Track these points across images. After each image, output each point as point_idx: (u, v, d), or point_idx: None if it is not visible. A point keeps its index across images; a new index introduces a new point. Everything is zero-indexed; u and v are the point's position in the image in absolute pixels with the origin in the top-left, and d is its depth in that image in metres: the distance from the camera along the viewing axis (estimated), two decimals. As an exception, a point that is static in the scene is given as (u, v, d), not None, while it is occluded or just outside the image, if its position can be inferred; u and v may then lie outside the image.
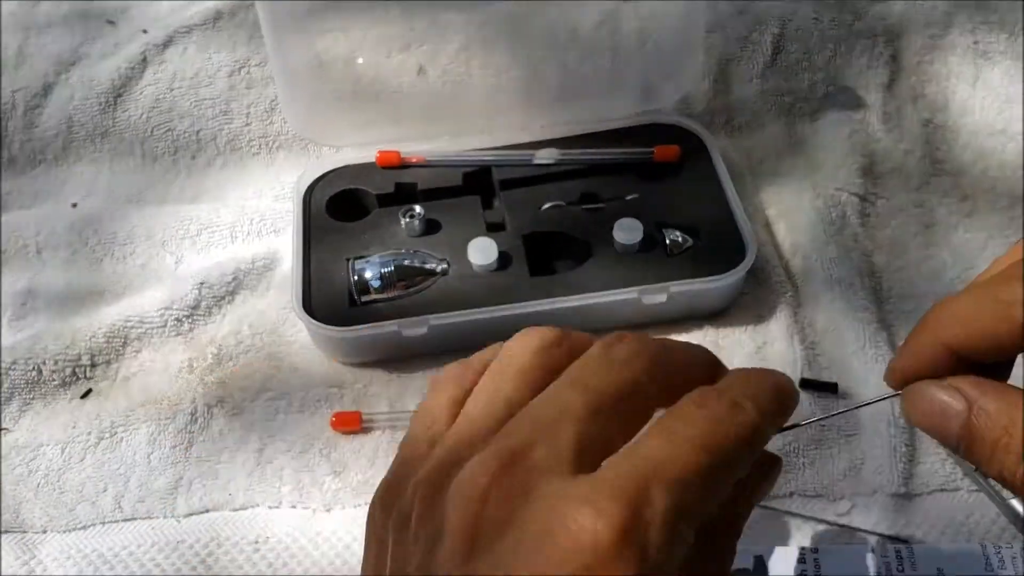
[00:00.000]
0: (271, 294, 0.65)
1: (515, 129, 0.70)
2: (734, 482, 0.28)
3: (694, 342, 0.59)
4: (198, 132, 0.75)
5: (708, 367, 0.33)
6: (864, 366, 0.57)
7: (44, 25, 0.82)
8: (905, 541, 0.50)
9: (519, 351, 0.33)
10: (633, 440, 0.29)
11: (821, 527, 0.51)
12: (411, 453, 0.33)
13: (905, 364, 0.31)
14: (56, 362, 0.61)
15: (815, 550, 0.50)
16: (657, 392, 0.30)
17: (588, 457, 0.28)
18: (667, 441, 0.27)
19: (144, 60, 0.77)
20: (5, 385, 0.60)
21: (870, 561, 0.49)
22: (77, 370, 0.61)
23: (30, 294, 0.67)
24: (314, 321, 0.58)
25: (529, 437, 0.28)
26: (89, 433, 0.58)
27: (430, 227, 0.65)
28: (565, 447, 0.27)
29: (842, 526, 0.51)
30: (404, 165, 0.68)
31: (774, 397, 0.30)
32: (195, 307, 0.64)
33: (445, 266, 0.62)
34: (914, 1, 0.75)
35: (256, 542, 0.53)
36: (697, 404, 0.29)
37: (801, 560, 0.50)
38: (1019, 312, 0.27)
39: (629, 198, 0.66)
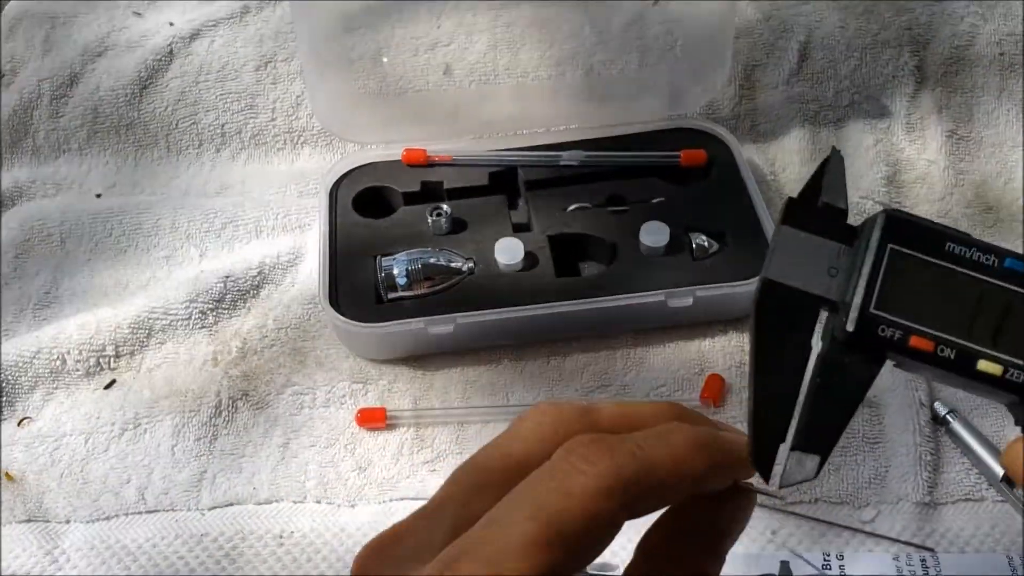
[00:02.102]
0: (296, 289, 0.65)
1: (541, 130, 0.71)
2: (593, 545, 0.26)
3: (718, 347, 0.60)
4: (223, 126, 0.75)
5: (664, 415, 0.29)
6: (889, 374, 0.57)
7: (71, 15, 0.82)
8: (931, 549, 0.50)
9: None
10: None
11: (846, 533, 0.51)
12: None
13: None
14: (80, 352, 0.61)
15: (840, 556, 0.50)
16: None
17: None
18: (506, 507, 0.26)
19: (171, 52, 0.77)
20: (29, 374, 0.60)
21: (895, 568, 0.50)
22: (101, 360, 0.61)
23: (54, 283, 0.67)
24: (341, 317, 0.59)
25: (406, 526, 0.28)
26: (113, 424, 0.58)
27: (456, 226, 0.65)
28: (438, 532, 0.27)
29: (867, 533, 0.51)
30: (430, 164, 0.68)
31: (683, 450, 0.27)
32: (220, 300, 0.64)
33: (471, 265, 0.62)
34: (942, 4, 0.75)
35: (280, 536, 0.53)
36: (556, 459, 0.26)
37: (826, 566, 0.50)
38: None
39: (655, 201, 0.66)
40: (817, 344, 0.28)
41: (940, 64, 0.74)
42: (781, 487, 0.28)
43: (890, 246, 0.27)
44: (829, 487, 0.54)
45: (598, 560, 0.27)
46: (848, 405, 0.28)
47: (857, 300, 0.27)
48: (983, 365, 0.27)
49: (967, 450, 0.54)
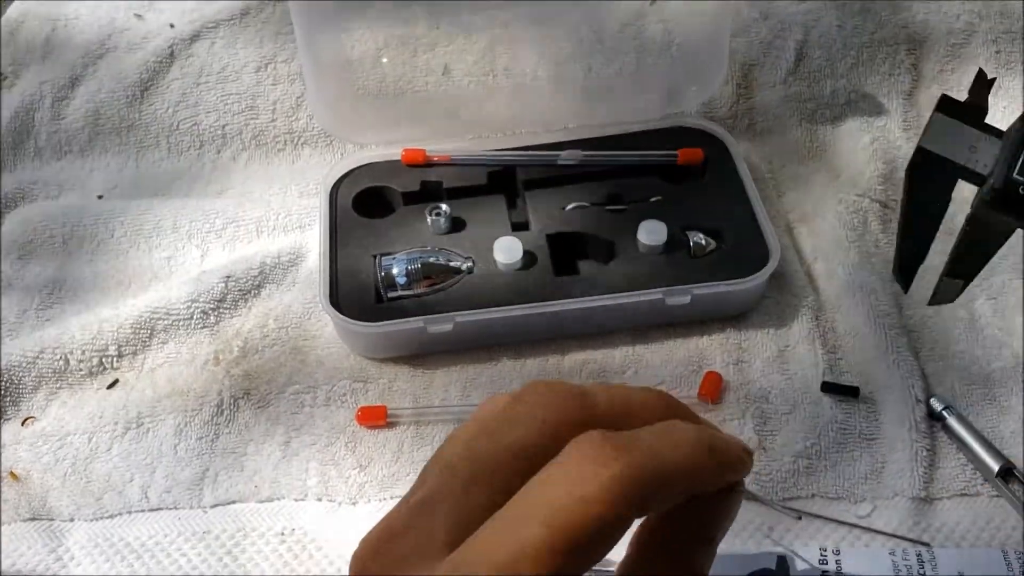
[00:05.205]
0: (297, 288, 0.66)
1: (539, 130, 0.71)
2: (605, 546, 0.26)
3: (716, 344, 0.61)
4: (224, 127, 0.76)
5: (656, 406, 0.30)
6: (886, 370, 0.58)
7: (72, 17, 0.83)
8: (926, 544, 0.51)
9: (474, 416, 0.31)
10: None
11: (843, 529, 0.52)
12: None
13: None
14: (83, 352, 0.62)
15: (837, 551, 0.51)
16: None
17: (466, 532, 0.26)
18: (516, 509, 0.26)
19: (171, 54, 0.77)
20: (32, 374, 0.61)
21: (891, 563, 0.50)
22: (104, 360, 0.62)
23: (56, 284, 0.68)
24: (341, 316, 0.59)
25: (405, 520, 0.27)
26: (116, 423, 0.59)
27: (455, 225, 0.65)
28: (438, 528, 0.27)
29: (864, 528, 0.52)
30: (429, 163, 0.69)
31: (688, 453, 0.27)
32: (221, 300, 0.64)
33: (470, 264, 0.62)
34: (938, 2, 0.76)
35: (282, 534, 0.54)
36: (565, 458, 0.26)
37: (823, 561, 0.50)
38: None
39: (653, 200, 0.66)
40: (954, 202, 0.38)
41: (936, 62, 0.75)
42: (931, 304, 0.40)
43: None
44: (826, 483, 0.54)
45: None
46: (989, 250, 0.39)
47: (1002, 169, 0.37)
48: None
49: (963, 445, 0.55)
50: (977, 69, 0.42)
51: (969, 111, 0.39)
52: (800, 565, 0.50)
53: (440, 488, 0.28)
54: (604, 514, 0.25)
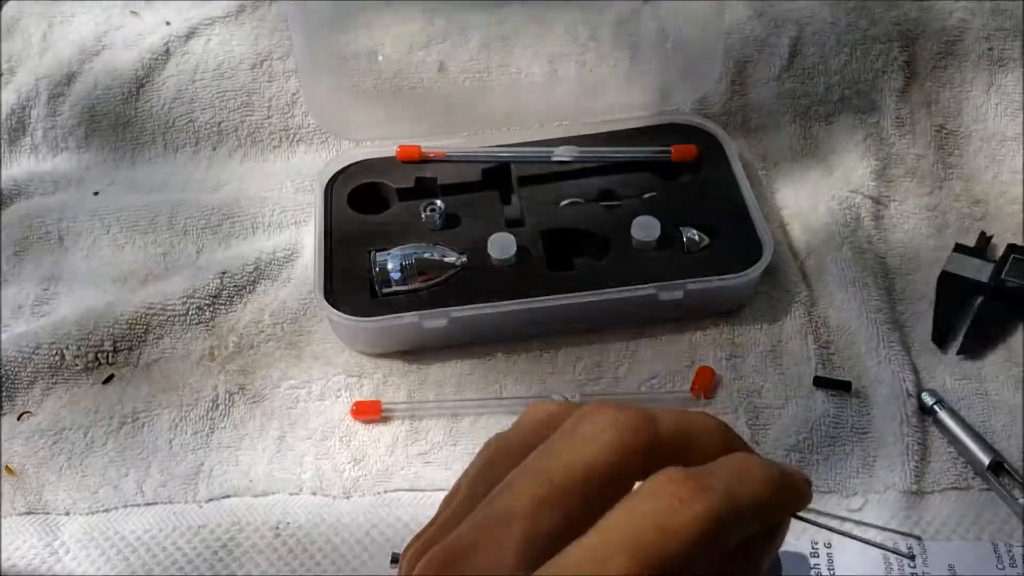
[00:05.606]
0: (292, 284, 0.66)
1: (534, 126, 0.71)
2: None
3: (709, 339, 0.61)
4: (219, 124, 0.76)
5: (715, 435, 0.30)
6: (877, 365, 0.58)
7: (68, 14, 0.83)
8: (917, 538, 0.51)
9: (523, 424, 0.31)
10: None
11: (834, 522, 0.52)
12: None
13: None
14: (79, 347, 0.62)
15: (828, 544, 0.51)
16: (638, 467, 0.28)
17: (536, 555, 0.26)
18: (602, 539, 0.25)
19: (167, 51, 0.78)
20: (28, 369, 0.61)
21: (882, 556, 0.50)
22: (99, 355, 0.62)
23: (52, 280, 0.68)
24: (336, 311, 0.59)
25: (473, 539, 0.27)
26: (111, 418, 0.59)
27: (450, 221, 0.66)
28: (508, 549, 0.26)
29: (855, 521, 0.52)
30: (424, 160, 0.69)
31: (762, 491, 0.27)
32: (217, 296, 0.65)
33: (464, 260, 0.62)
34: (931, 0, 0.76)
35: (276, 528, 0.54)
36: (650, 492, 0.26)
37: (814, 555, 0.51)
38: None
39: (647, 196, 0.67)
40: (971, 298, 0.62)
41: (929, 59, 0.75)
42: (959, 353, 0.60)
43: (1013, 255, 0.63)
44: (818, 477, 0.54)
45: None
46: (994, 326, 0.61)
47: (995, 278, 0.62)
48: None
49: (954, 439, 0.55)
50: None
51: (976, 250, 0.64)
52: (791, 558, 0.50)
53: (509, 511, 0.27)
54: (688, 552, 0.25)
